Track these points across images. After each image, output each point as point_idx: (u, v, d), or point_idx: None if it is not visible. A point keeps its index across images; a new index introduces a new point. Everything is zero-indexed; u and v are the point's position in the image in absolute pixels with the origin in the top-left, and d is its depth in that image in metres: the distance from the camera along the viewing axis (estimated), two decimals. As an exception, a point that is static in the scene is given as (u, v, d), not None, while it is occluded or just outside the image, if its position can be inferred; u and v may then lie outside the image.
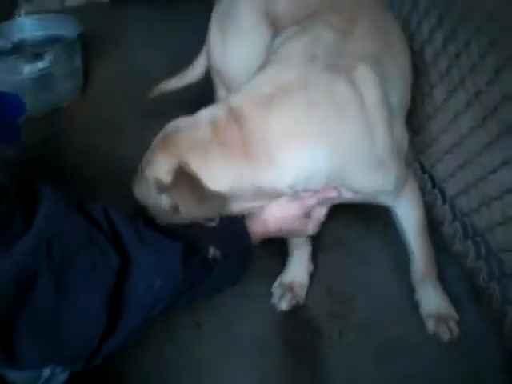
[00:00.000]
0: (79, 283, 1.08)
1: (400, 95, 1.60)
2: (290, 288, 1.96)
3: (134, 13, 4.49)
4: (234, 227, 1.41)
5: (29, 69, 3.00)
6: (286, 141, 1.34)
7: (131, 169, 1.47)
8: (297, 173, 1.36)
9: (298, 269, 2.00)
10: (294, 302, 1.95)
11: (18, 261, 0.99)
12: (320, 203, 1.51)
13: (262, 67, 1.54)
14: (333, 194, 1.47)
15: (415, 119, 2.13)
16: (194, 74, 2.46)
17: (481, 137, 1.75)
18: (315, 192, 1.46)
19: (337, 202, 1.57)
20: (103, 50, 3.77)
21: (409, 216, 1.74)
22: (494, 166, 1.69)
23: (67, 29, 3.35)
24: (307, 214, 1.51)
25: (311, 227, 1.58)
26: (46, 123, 3.06)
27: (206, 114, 1.40)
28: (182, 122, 1.40)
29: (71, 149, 2.83)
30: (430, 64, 2.03)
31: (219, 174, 1.32)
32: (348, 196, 1.53)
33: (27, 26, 3.51)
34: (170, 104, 2.64)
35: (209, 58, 2.15)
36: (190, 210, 1.33)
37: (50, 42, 3.34)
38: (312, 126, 1.36)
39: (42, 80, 3.07)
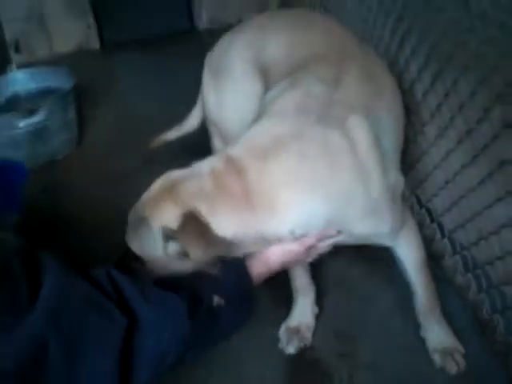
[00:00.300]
0: (89, 349, 1.10)
1: (393, 138, 1.64)
2: (296, 331, 1.98)
3: (124, 59, 4.58)
4: (235, 272, 1.43)
5: (24, 123, 3.03)
6: (284, 191, 1.37)
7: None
8: (296, 220, 1.40)
9: (303, 312, 2.02)
10: (301, 344, 1.96)
11: (28, 338, 1.02)
12: (320, 241, 1.53)
13: (256, 120, 1.58)
14: (331, 231, 1.50)
15: (409, 155, 2.16)
16: (189, 125, 2.52)
17: (473, 173, 1.79)
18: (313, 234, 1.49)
19: (336, 244, 1.60)
20: (96, 100, 3.81)
21: (409, 255, 1.77)
22: (488, 202, 1.73)
23: (60, 81, 3.39)
24: (307, 250, 1.53)
25: (311, 258, 1.61)
26: (43, 175, 3.08)
27: (204, 165, 1.44)
28: (179, 173, 1.43)
29: (69, 199, 2.85)
30: (420, 102, 2.07)
31: (225, 222, 1.35)
32: (347, 239, 1.56)
33: (20, 80, 3.56)
34: (165, 153, 2.69)
35: (204, 109, 2.19)
36: (198, 254, 1.33)
37: (44, 94, 3.38)
38: (307, 176, 1.40)
39: (38, 133, 3.10)
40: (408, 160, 2.21)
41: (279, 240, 1.45)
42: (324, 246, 1.57)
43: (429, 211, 2.20)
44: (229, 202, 1.36)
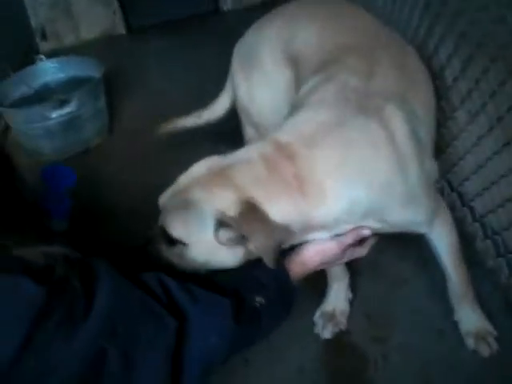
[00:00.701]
0: (144, 354, 1.14)
1: (427, 129, 1.66)
2: (331, 316, 2.03)
3: (151, 43, 4.62)
4: (275, 271, 1.43)
5: (56, 114, 3.10)
6: (332, 177, 1.38)
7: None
8: (341, 207, 1.41)
9: (338, 297, 2.07)
10: (336, 329, 2.02)
11: (86, 345, 1.06)
12: (355, 240, 1.57)
13: (295, 109, 1.59)
14: (366, 231, 1.53)
15: (439, 139, 2.18)
16: (214, 113, 2.51)
17: (505, 160, 1.80)
18: (350, 231, 1.52)
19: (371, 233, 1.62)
20: (124, 86, 3.87)
21: (442, 241, 1.79)
22: (520, 188, 1.75)
23: (89, 70, 3.45)
24: (344, 251, 1.57)
25: (347, 259, 1.63)
26: (77, 164, 3.15)
27: (252, 150, 1.43)
28: (225, 158, 1.43)
29: (105, 186, 2.92)
30: (450, 87, 2.07)
31: (280, 208, 1.34)
32: (383, 227, 1.59)
33: (50, 70, 3.63)
34: (197, 137, 2.73)
35: (235, 97, 2.21)
36: (260, 242, 1.32)
37: (73, 83, 3.44)
38: (352, 164, 1.41)
39: (70, 123, 3.18)
40: (439, 144, 2.22)
41: (323, 228, 1.46)
42: (361, 251, 1.61)
43: (460, 195, 2.22)
44: (283, 188, 1.35)
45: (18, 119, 3.21)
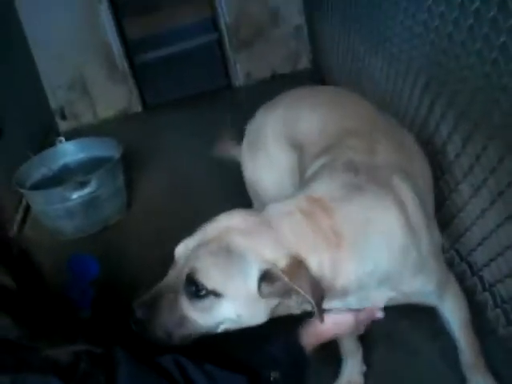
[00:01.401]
0: None
1: (429, 198, 1.75)
2: None
3: (166, 119, 4.78)
4: (289, 346, 1.49)
5: (77, 195, 3.23)
6: (361, 233, 1.43)
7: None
8: (367, 266, 1.44)
9: (352, 371, 2.11)
10: None
11: None
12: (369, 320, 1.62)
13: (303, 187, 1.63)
14: (380, 314, 1.60)
15: (446, 211, 2.26)
16: None
17: (508, 231, 1.86)
18: (367, 309, 1.58)
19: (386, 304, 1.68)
20: (141, 162, 4.01)
21: (454, 317, 1.83)
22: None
23: (108, 150, 3.61)
24: (358, 324, 1.61)
25: (360, 331, 1.68)
26: (98, 241, 3.26)
27: (289, 203, 1.44)
28: (258, 211, 1.45)
29: (126, 260, 2.99)
30: (452, 162, 2.16)
31: (321, 262, 1.35)
32: (396, 297, 1.62)
33: (69, 151, 3.80)
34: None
35: (244, 177, 2.31)
36: (309, 297, 1.27)
37: (93, 163, 3.58)
38: (375, 225, 1.46)
39: (90, 203, 3.31)
40: (445, 215, 2.30)
41: (344, 291, 1.46)
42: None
43: (469, 264, 2.27)
44: (323, 241, 1.36)
45: (38, 200, 3.36)
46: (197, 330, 1.36)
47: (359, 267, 1.42)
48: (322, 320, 1.31)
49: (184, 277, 1.34)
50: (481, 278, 2.20)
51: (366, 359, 2.16)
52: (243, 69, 5.10)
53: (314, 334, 1.53)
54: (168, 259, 2.72)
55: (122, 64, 5.00)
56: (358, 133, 1.77)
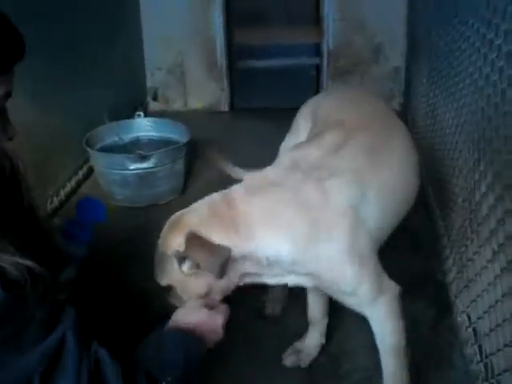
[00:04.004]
0: None
1: (379, 213, 1.78)
2: (298, 352, 2.29)
3: (248, 125, 4.88)
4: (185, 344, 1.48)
5: (134, 166, 3.38)
6: (259, 224, 1.63)
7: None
8: (269, 251, 1.64)
9: (310, 341, 2.30)
10: (298, 363, 2.27)
11: (18, 372, 1.19)
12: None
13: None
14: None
15: (466, 272, 2.24)
16: None
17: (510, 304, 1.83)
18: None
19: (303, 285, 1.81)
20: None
21: (381, 337, 1.82)
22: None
23: (178, 134, 3.77)
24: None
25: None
26: (143, 214, 3.39)
27: (202, 201, 1.72)
28: (182, 211, 1.69)
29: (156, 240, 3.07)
30: (481, 223, 2.15)
31: (220, 237, 1.58)
32: (314, 282, 1.75)
33: (143, 127, 3.98)
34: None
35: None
36: (207, 260, 1.56)
37: (161, 143, 3.75)
38: (276, 216, 1.65)
39: (145, 178, 3.45)
40: (465, 277, 2.27)
41: (258, 263, 1.66)
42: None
43: (475, 332, 2.23)
44: (220, 225, 1.61)
45: (100, 162, 3.53)
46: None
47: (259, 250, 1.63)
48: (219, 276, 1.57)
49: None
50: (480, 348, 2.15)
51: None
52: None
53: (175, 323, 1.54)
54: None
55: (222, 64, 5.16)
56: (344, 126, 1.89)
